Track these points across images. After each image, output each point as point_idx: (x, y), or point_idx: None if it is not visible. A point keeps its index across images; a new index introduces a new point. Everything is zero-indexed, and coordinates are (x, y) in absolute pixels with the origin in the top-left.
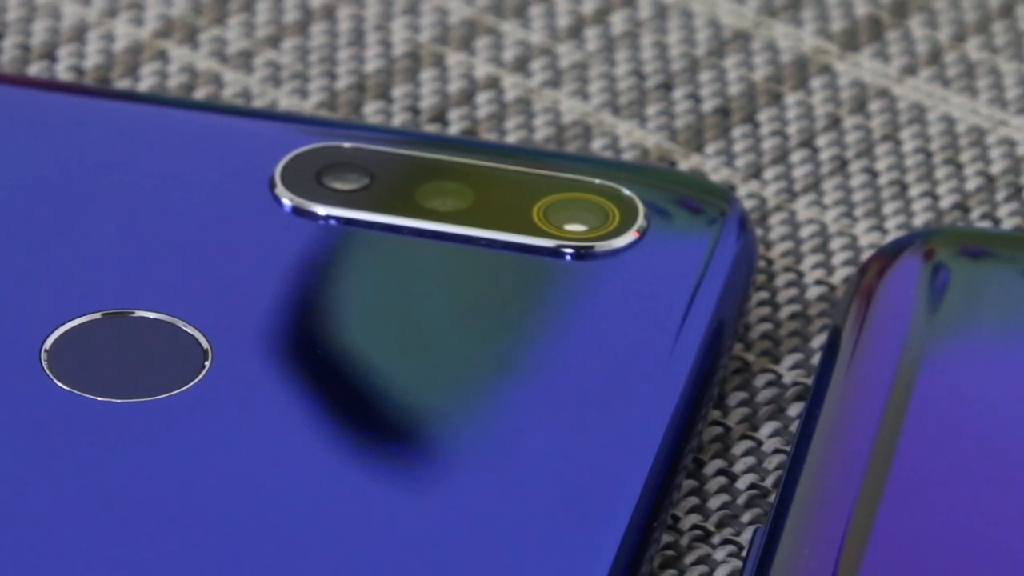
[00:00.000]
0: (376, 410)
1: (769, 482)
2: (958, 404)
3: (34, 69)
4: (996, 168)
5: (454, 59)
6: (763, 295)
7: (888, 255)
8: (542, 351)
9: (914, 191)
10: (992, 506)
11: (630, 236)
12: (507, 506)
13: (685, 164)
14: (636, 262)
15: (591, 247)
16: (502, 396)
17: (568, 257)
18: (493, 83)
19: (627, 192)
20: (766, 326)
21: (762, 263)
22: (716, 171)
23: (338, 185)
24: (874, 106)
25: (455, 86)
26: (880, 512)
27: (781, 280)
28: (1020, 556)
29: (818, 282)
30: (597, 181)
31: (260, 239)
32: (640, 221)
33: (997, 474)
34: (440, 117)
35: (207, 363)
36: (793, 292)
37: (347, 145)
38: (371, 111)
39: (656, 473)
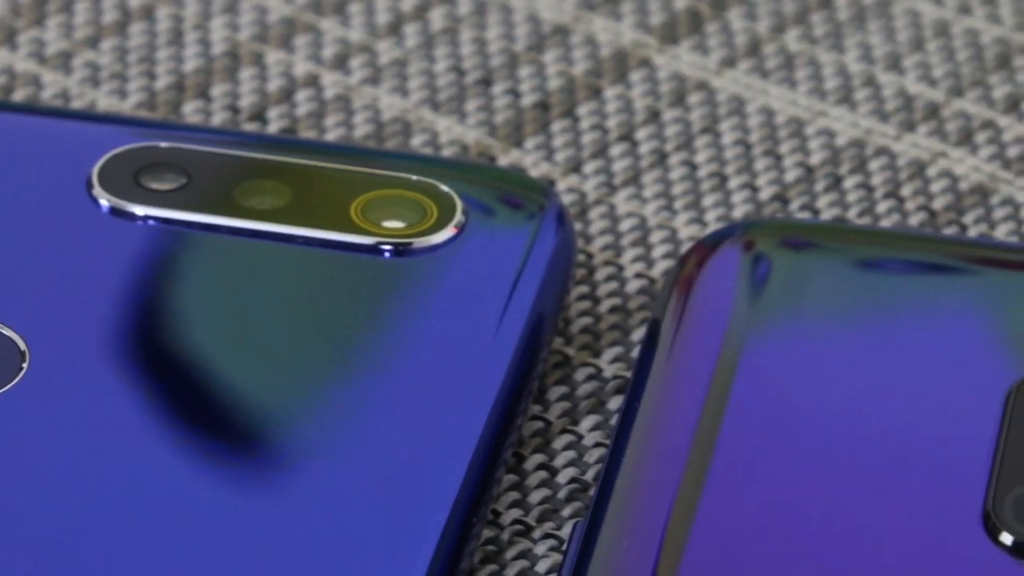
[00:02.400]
0: (195, 409)
1: (590, 476)
2: (779, 394)
3: None
4: (815, 159)
5: (273, 57)
6: (583, 289)
7: (707, 246)
8: (362, 348)
9: (733, 183)
10: (813, 496)
11: (448, 232)
12: (326, 503)
13: (505, 159)
14: (455, 258)
15: (409, 244)
16: (321, 393)
17: (387, 254)
18: (312, 81)
19: (445, 188)
20: (586, 320)
21: (582, 257)
22: (536, 166)
23: (155, 185)
24: (693, 99)
25: (274, 84)
26: (701, 504)
27: (601, 274)
28: (840, 545)
29: (638, 275)
30: (415, 178)
31: (78, 240)
32: (458, 217)
33: (818, 464)
34: (259, 115)
35: (24, 365)
36: (613, 286)
37: (164, 145)
38: (190, 110)
39: (475, 468)
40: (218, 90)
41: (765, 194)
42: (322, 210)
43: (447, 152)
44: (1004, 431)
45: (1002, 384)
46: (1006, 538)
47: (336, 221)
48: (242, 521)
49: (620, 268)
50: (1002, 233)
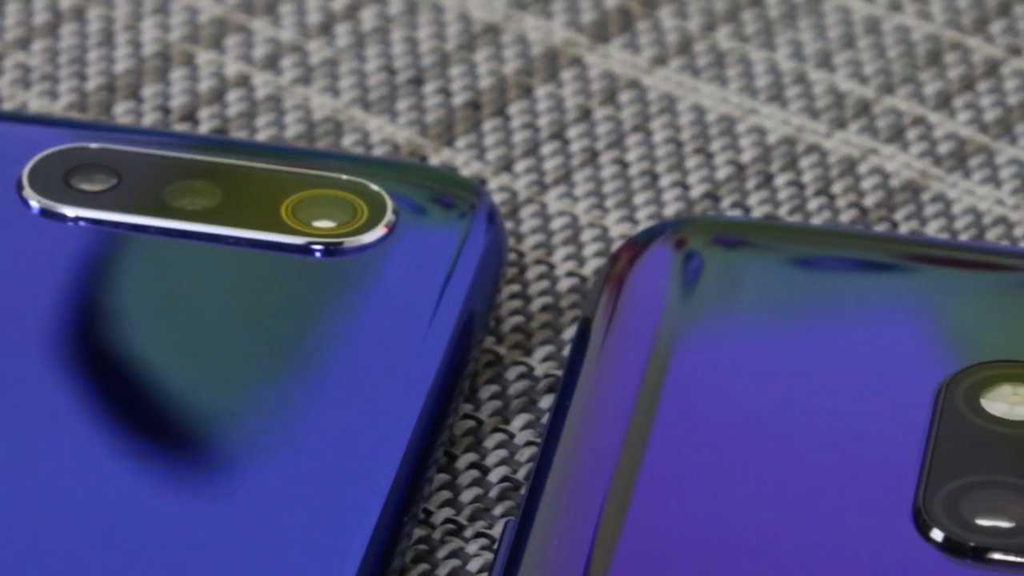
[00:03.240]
0: (126, 409)
1: (521, 475)
2: (710, 392)
3: None
4: (746, 157)
5: (204, 58)
6: (514, 288)
7: (638, 244)
8: (292, 348)
9: (665, 181)
10: (745, 494)
11: (378, 232)
12: (256, 502)
13: (436, 158)
14: (385, 257)
15: (340, 243)
16: (252, 393)
17: (317, 254)
18: (243, 81)
19: (375, 187)
20: (518, 319)
21: (513, 256)
22: (467, 165)
23: (86, 186)
24: (624, 97)
25: (205, 85)
26: (632, 502)
27: (532, 272)
28: (772, 542)
29: (569, 274)
30: (345, 177)
31: (9, 242)
32: (388, 216)
33: (750, 462)
34: (190, 116)
35: None
36: (544, 284)
37: (94, 146)
38: (121, 111)
39: (406, 467)
40: (149, 91)
41: (696, 192)
42: (253, 210)
43: (378, 152)
44: (934, 428)
45: (932, 381)
46: (937, 535)
47: (267, 221)
48: (173, 521)
49: (551, 267)
50: (933, 230)
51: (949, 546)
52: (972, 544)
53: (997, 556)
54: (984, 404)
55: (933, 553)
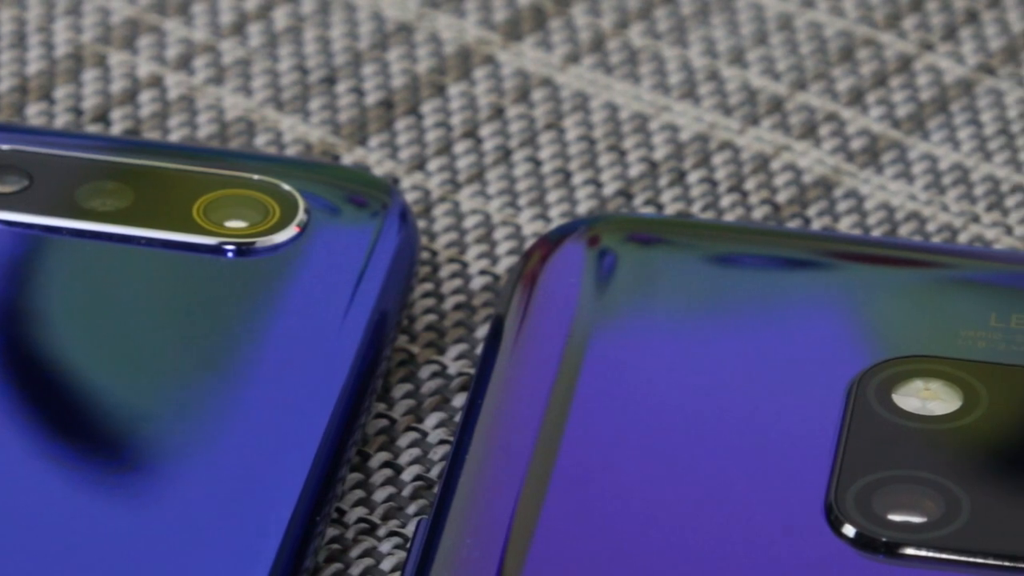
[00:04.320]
0: (37, 409)
1: (434, 473)
2: (624, 389)
3: None
4: (659, 154)
5: (117, 58)
6: (427, 286)
7: (550, 242)
8: (205, 348)
9: (578, 179)
10: (658, 490)
11: (291, 231)
12: (169, 502)
13: (349, 158)
14: (297, 257)
15: (252, 243)
16: (164, 393)
17: (229, 254)
18: (156, 81)
19: (287, 187)
20: (431, 317)
21: (426, 254)
22: (380, 164)
23: None
24: (537, 95)
25: (118, 85)
26: (546, 500)
27: (445, 271)
28: (685, 538)
29: (483, 272)
30: (257, 177)
31: None
32: (300, 216)
33: (662, 459)
34: (103, 117)
35: None
36: (458, 283)
37: (5, 147)
38: (34, 113)
39: (319, 467)
40: (61, 92)
41: (609, 189)
42: (165, 211)
43: (291, 151)
44: (846, 423)
45: (845, 376)
46: (848, 530)
47: (179, 222)
48: (84, 521)
49: (464, 265)
50: (846, 226)
51: (861, 542)
52: (884, 539)
53: (909, 551)
54: (896, 399)
55: (845, 549)
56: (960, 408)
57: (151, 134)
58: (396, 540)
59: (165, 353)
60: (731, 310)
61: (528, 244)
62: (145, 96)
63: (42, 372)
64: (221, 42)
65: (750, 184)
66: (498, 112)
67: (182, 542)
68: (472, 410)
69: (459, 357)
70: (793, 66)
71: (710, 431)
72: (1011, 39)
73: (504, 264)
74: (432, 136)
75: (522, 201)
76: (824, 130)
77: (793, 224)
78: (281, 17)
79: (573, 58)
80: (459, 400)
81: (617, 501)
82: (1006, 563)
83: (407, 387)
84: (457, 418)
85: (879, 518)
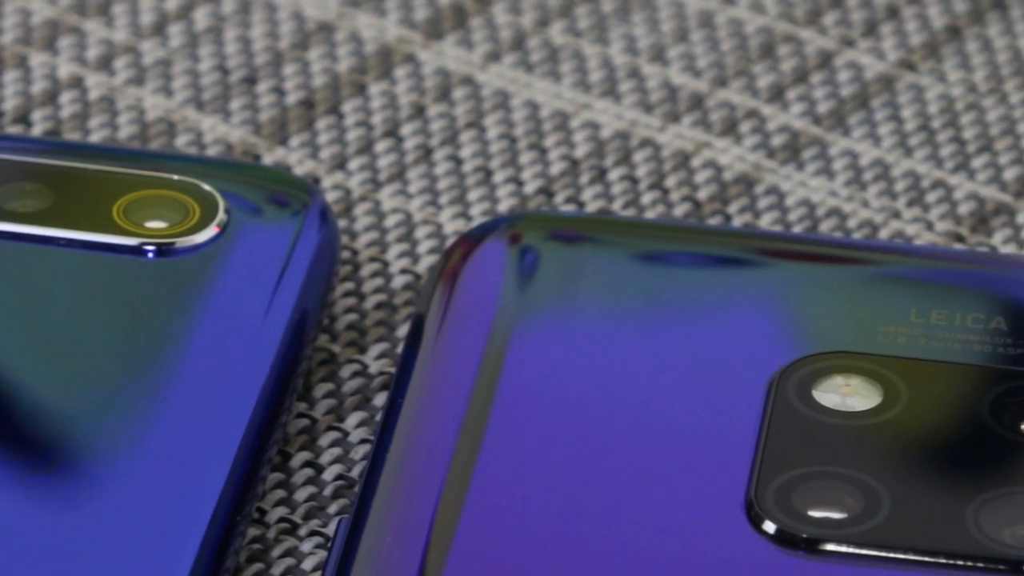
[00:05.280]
0: None
1: (356, 472)
2: (545, 387)
3: None
4: (580, 152)
5: (37, 59)
6: (348, 286)
7: (471, 240)
8: (125, 349)
9: (499, 177)
10: (579, 488)
11: (211, 231)
12: (88, 502)
13: (270, 158)
14: (218, 257)
15: (172, 244)
16: (85, 394)
17: (150, 254)
18: (77, 82)
19: (207, 187)
20: (352, 317)
21: (347, 254)
22: (301, 163)
23: None
24: (458, 93)
25: (38, 87)
26: (467, 499)
27: (367, 270)
28: (606, 536)
29: (403, 271)
30: (176, 178)
31: None
32: (220, 216)
33: (584, 457)
34: (23, 118)
35: None
36: (379, 282)
37: None
38: None
39: (239, 467)
40: None
41: (530, 188)
42: (85, 212)
43: (212, 151)
44: (766, 420)
45: (765, 373)
46: (769, 527)
47: (99, 222)
48: (2, 522)
49: (385, 264)
50: (766, 222)
51: (781, 538)
52: (804, 536)
53: (829, 547)
54: (816, 395)
55: (766, 545)
56: (880, 404)
57: (72, 135)
58: (317, 540)
59: (86, 354)
60: (652, 307)
61: (449, 243)
62: (66, 97)
63: None
64: (142, 43)
65: (671, 181)
66: (419, 111)
67: (102, 543)
68: (393, 409)
69: (380, 356)
70: (714, 63)
71: (632, 428)
72: (932, 35)
73: (425, 263)
74: (353, 135)
75: (443, 200)
76: (745, 127)
77: (714, 221)
78: (202, 17)
79: (494, 56)
80: (380, 399)
81: (538, 499)
82: (926, 558)
83: (328, 386)
84: (378, 417)
85: (799, 514)
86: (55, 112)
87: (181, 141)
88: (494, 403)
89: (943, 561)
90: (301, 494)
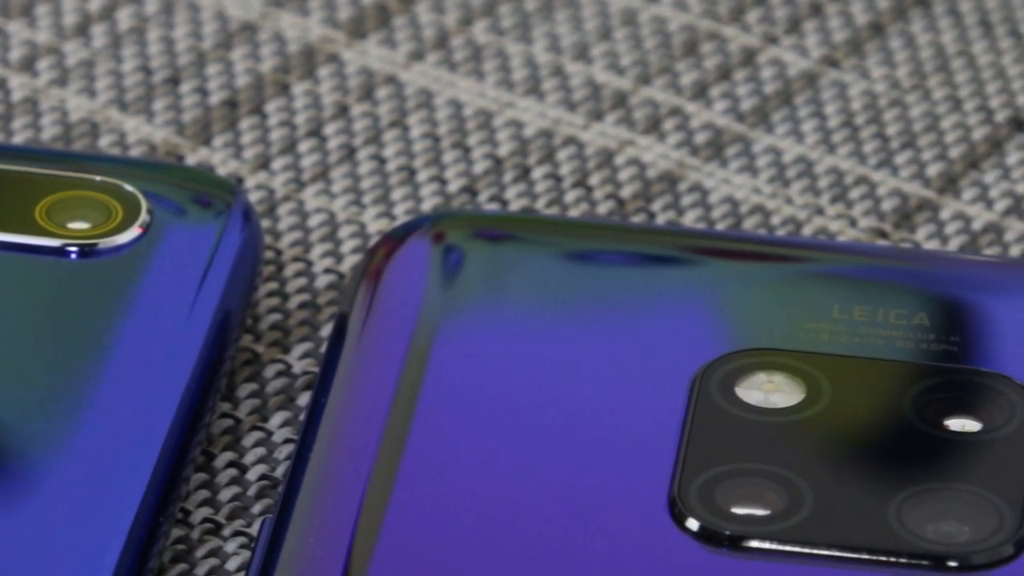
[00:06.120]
0: None
1: (280, 472)
2: (469, 386)
3: None
4: (504, 150)
5: None
6: (272, 286)
7: (394, 239)
8: (48, 350)
9: (422, 176)
10: (504, 487)
11: (133, 232)
12: (11, 503)
13: (193, 158)
14: (141, 258)
15: (95, 244)
16: (6, 394)
17: (73, 255)
18: (0, 84)
19: (129, 188)
20: (275, 316)
21: (271, 254)
22: (224, 164)
23: None
24: (382, 93)
25: None
26: (391, 498)
27: (290, 270)
28: (531, 534)
29: (327, 271)
30: (99, 179)
31: None
32: (143, 217)
33: (509, 455)
34: None
35: None
36: (302, 282)
37: None
38: None
39: (162, 468)
40: None
41: (454, 186)
42: (7, 213)
43: (135, 152)
44: (689, 417)
45: (688, 370)
46: (692, 524)
47: (21, 224)
48: None
49: (309, 264)
50: (690, 220)
51: (705, 535)
52: (728, 532)
53: (753, 544)
54: (739, 392)
55: (689, 542)
56: (803, 400)
57: None
58: (241, 540)
59: (8, 355)
60: (576, 305)
61: (372, 242)
62: None
63: None
64: (65, 43)
65: (594, 179)
66: (342, 110)
67: (25, 544)
68: (316, 409)
69: (304, 356)
70: (637, 61)
71: (556, 426)
72: (855, 31)
73: (349, 262)
74: (276, 135)
75: (367, 199)
76: (668, 124)
77: (638, 219)
78: (125, 18)
79: (417, 55)
80: (304, 399)
81: (462, 498)
82: (849, 554)
83: (252, 386)
84: (302, 417)
85: (723, 511)
86: None
87: (104, 142)
88: (418, 402)
89: (866, 557)
90: (225, 494)
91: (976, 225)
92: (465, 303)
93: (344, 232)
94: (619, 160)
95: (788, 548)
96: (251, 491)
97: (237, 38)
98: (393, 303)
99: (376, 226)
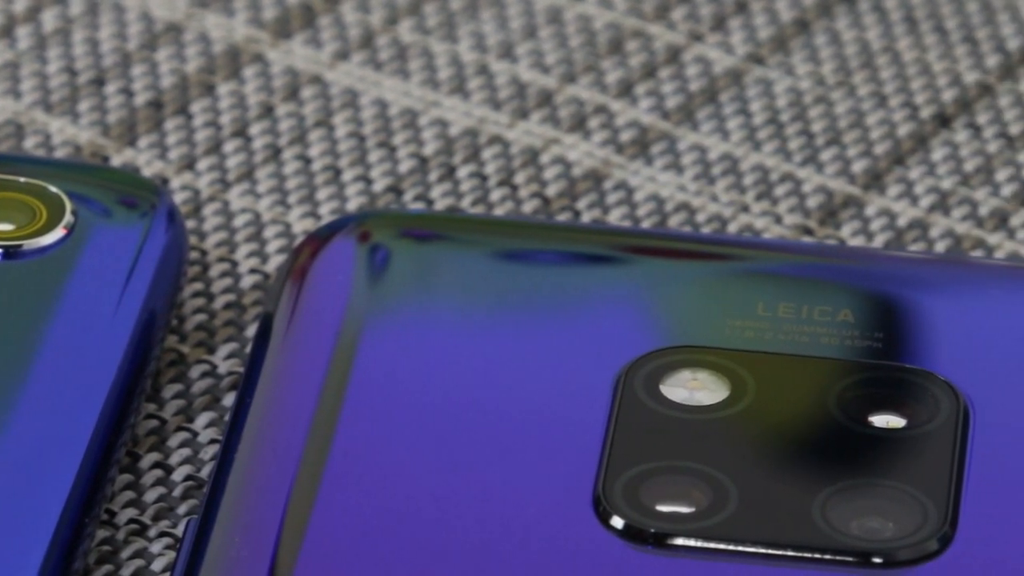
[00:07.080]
0: None
1: (205, 473)
2: (395, 385)
3: None
4: (429, 149)
5: None
6: (197, 286)
7: (319, 239)
8: None
9: (348, 175)
10: (430, 486)
11: (58, 233)
12: None
13: (119, 159)
14: (65, 259)
15: (19, 246)
16: None
17: None
18: None
19: (53, 189)
20: (201, 317)
21: (195, 254)
22: (150, 164)
23: None
24: (307, 93)
25: None
26: (317, 498)
27: (215, 270)
28: (457, 534)
29: (252, 271)
30: (23, 180)
31: None
32: (67, 218)
33: (434, 454)
34: None
35: None
36: (228, 282)
37: None
38: None
39: (87, 469)
40: None
41: (379, 186)
42: None
43: (60, 153)
44: (613, 415)
45: (612, 368)
46: (617, 522)
47: None
48: None
49: (234, 264)
50: (616, 218)
51: (629, 533)
52: (652, 530)
53: (678, 541)
54: (663, 390)
55: (613, 540)
56: (727, 398)
57: None
58: (167, 541)
59: None
60: (501, 304)
61: (298, 242)
62: None
63: None
64: None
65: (520, 178)
66: (267, 110)
67: None
68: (241, 409)
69: (229, 356)
70: (562, 59)
71: (481, 425)
72: (780, 28)
73: (274, 263)
74: (201, 136)
75: (292, 199)
76: (593, 123)
77: (563, 217)
78: (49, 19)
79: (342, 55)
80: (230, 399)
81: (388, 497)
82: (774, 551)
83: (177, 387)
84: (227, 417)
85: (647, 509)
86: None
87: (29, 143)
88: (343, 402)
89: (791, 554)
90: (150, 495)
91: (901, 221)
92: (390, 302)
93: (269, 232)
94: (544, 159)
95: (713, 545)
96: (176, 492)
97: (162, 39)
98: (318, 303)
99: (301, 226)
